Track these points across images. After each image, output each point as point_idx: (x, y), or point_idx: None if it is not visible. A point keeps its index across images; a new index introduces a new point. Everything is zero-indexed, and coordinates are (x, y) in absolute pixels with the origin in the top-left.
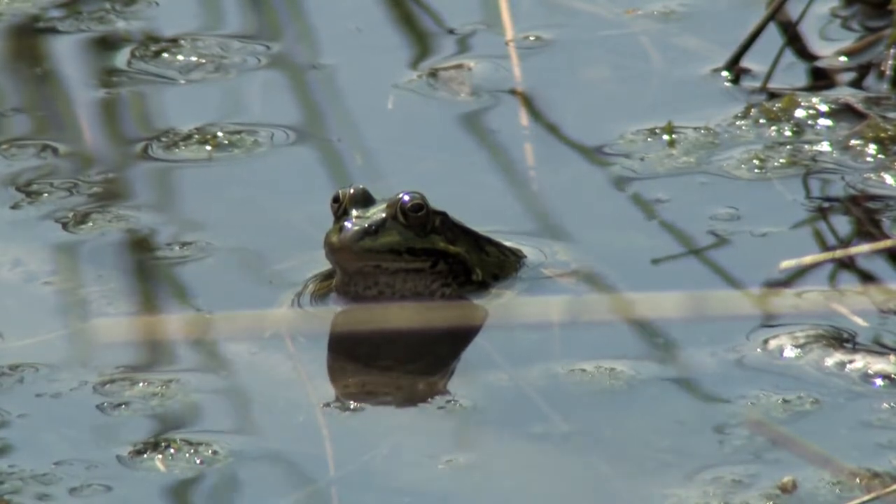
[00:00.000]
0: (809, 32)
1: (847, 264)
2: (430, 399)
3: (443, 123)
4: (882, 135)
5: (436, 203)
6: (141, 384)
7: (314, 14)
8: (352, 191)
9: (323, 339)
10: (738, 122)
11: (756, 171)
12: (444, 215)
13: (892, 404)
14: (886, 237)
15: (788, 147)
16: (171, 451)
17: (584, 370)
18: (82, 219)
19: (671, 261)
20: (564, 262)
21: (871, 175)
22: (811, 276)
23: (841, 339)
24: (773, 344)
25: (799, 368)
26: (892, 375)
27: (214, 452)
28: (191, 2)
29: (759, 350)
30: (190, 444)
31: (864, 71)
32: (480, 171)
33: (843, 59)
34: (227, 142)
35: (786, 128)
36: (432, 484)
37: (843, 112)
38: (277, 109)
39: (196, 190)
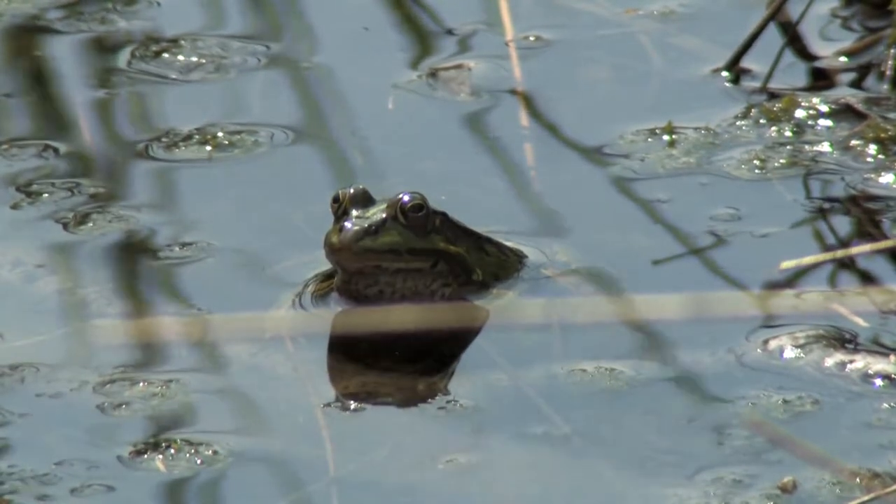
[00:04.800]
0: (809, 32)
1: (847, 264)
2: (430, 399)
3: (443, 123)
4: (882, 135)
5: (436, 203)
6: (141, 384)
7: (314, 14)
8: (352, 191)
9: (323, 339)
10: (738, 123)
11: (756, 171)
12: (444, 215)
13: (892, 404)
14: (886, 237)
15: (789, 147)
16: (171, 451)
17: (584, 370)
18: (82, 219)
19: (671, 261)
20: (564, 263)
21: (872, 175)
22: (811, 277)
23: (841, 340)
24: (773, 344)
25: (799, 368)
26: (892, 375)
27: (214, 452)
28: (191, 2)
29: (759, 350)
30: (190, 444)
31: (864, 71)
32: (480, 171)
33: (843, 59)
34: (227, 142)
35: (786, 128)
36: (432, 484)
37: (843, 112)
38: (277, 109)
39: (196, 190)
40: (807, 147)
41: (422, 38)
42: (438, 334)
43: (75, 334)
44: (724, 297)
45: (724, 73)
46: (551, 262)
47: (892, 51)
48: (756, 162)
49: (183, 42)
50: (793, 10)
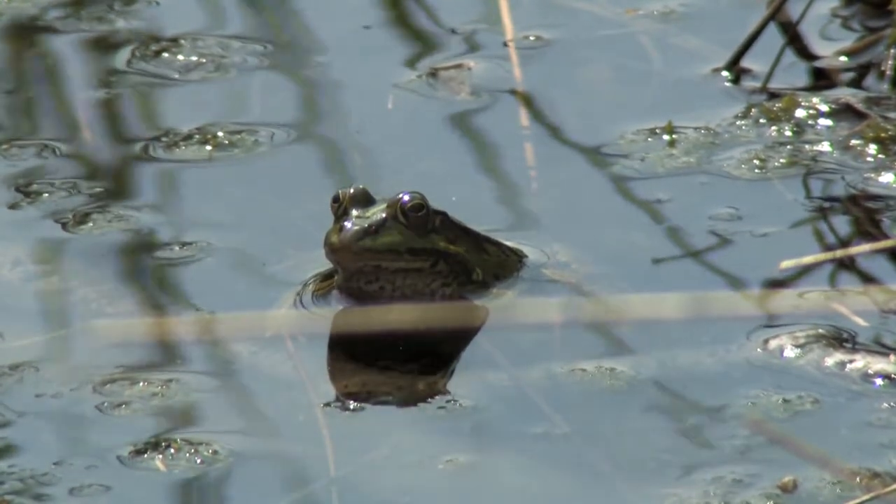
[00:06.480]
0: (809, 32)
1: (847, 264)
2: (430, 399)
3: (443, 123)
4: (882, 135)
5: (436, 203)
6: (141, 384)
7: (314, 14)
8: (352, 191)
9: (323, 339)
10: (738, 122)
11: (756, 171)
12: (444, 215)
13: (892, 404)
14: (886, 237)
15: (789, 147)
16: (171, 451)
17: (584, 370)
18: (82, 219)
19: (671, 261)
20: (564, 263)
21: (872, 175)
22: (811, 276)
23: (841, 339)
24: (773, 344)
25: (799, 368)
26: (892, 375)
27: (214, 452)
28: (191, 2)
29: (759, 350)
30: (190, 444)
31: (864, 71)
32: (480, 171)
33: (843, 59)
34: (227, 142)
35: (786, 128)
36: (432, 484)
37: (843, 112)
38: (277, 109)
39: (196, 190)
40: (807, 147)
41: (422, 37)
42: (438, 334)
43: (75, 334)
44: (724, 297)
45: (724, 73)
46: (551, 262)
47: (892, 51)
48: (756, 162)
49: (183, 42)
50: (793, 10)
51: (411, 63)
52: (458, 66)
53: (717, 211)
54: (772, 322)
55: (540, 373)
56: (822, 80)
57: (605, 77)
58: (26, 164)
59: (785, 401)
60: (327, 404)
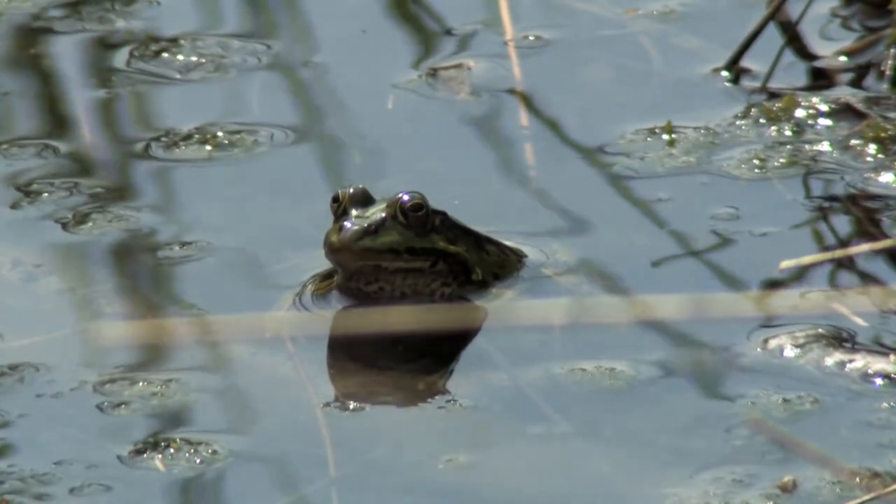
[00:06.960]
0: (809, 32)
1: (847, 264)
2: (430, 399)
3: (443, 123)
4: (882, 135)
5: (436, 203)
6: (141, 384)
7: (314, 14)
8: (351, 191)
9: (323, 339)
10: (738, 122)
11: (756, 170)
12: (443, 215)
13: (892, 404)
14: (886, 237)
15: (788, 147)
16: (171, 451)
17: (584, 370)
18: (82, 219)
19: (671, 261)
20: (564, 262)
21: (871, 175)
22: (811, 276)
23: (841, 339)
24: (773, 344)
25: (799, 368)
26: (892, 375)
27: (214, 452)
28: (191, 2)
29: (759, 350)
30: (190, 444)
31: (864, 71)
32: (480, 171)
33: (843, 59)
34: (227, 142)
35: (786, 128)
36: (432, 484)
37: (843, 112)
38: (277, 109)
39: (196, 190)
40: (807, 147)
41: (422, 38)
42: (438, 334)
43: (75, 334)
44: (724, 297)
45: (724, 73)
46: (551, 262)
47: (892, 50)
48: (756, 161)
49: (183, 42)
50: (793, 10)
51: (411, 63)
52: (458, 66)
53: (717, 211)
54: (772, 322)
55: (540, 373)
56: (821, 80)
57: (605, 77)
58: (26, 164)
59: (785, 401)
60: (327, 404)
